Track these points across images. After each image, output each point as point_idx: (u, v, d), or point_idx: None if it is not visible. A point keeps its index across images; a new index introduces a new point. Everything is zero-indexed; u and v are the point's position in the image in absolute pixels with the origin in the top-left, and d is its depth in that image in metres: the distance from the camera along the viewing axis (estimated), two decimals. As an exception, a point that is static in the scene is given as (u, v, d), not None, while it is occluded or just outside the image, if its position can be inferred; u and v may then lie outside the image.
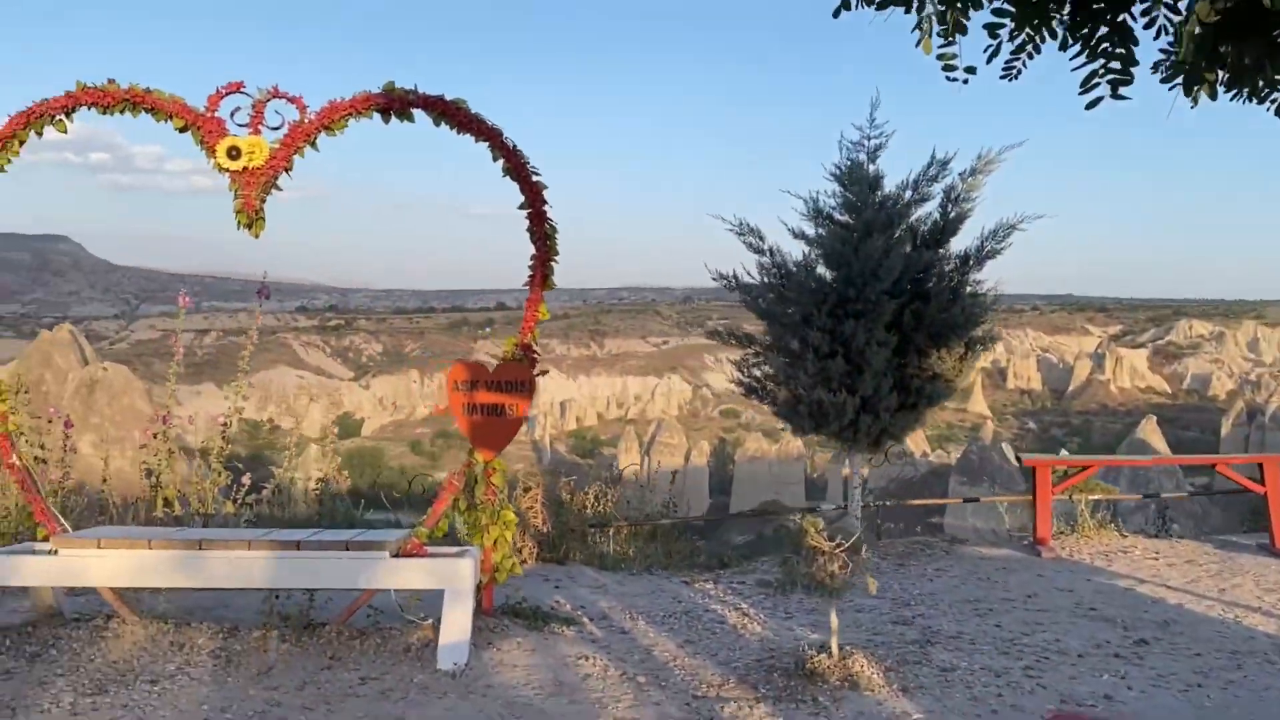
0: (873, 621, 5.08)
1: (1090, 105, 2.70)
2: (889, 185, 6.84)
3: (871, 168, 6.77)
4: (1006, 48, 2.71)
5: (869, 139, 6.79)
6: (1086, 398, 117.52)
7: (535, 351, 5.02)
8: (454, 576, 4.60)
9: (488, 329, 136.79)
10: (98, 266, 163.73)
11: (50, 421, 7.65)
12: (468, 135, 5.01)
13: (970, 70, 2.49)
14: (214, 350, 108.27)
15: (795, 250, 7.05)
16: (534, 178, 4.99)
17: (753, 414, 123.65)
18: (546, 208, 5.02)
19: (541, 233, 5.00)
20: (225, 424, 8.04)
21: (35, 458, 6.15)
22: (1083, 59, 2.67)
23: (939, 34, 2.42)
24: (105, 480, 7.82)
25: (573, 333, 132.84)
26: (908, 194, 6.74)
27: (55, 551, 4.58)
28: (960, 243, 6.87)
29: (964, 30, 2.34)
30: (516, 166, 4.98)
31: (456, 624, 4.50)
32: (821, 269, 6.72)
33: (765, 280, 6.98)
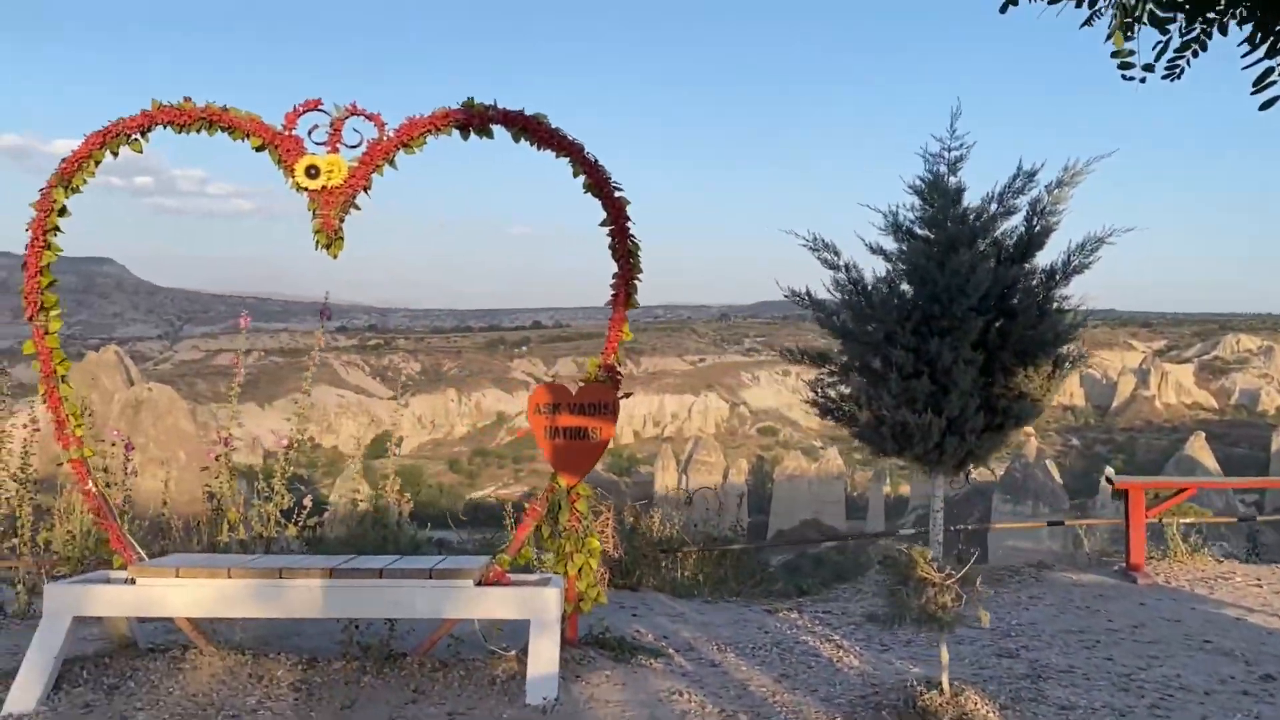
0: (975, 654, 4.83)
1: (1265, 105, 2.51)
2: (969, 198, 6.63)
3: (953, 180, 6.55)
4: (1173, 44, 2.53)
5: (949, 150, 6.59)
6: (1131, 414, 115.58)
7: (619, 373, 4.85)
8: (540, 606, 4.43)
9: (523, 348, 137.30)
10: (141, 288, 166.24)
11: (114, 444, 7.59)
12: (548, 151, 4.87)
13: (1148, 69, 2.30)
14: (255, 370, 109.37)
15: (871, 266, 6.84)
16: (616, 194, 4.84)
17: (790, 432, 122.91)
18: (629, 224, 4.86)
19: (624, 250, 4.84)
20: (290, 445, 7.95)
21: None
22: (1258, 54, 2.48)
23: (1113, 28, 2.23)
24: (165, 503, 7.73)
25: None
26: (993, 206, 6.51)
27: (133, 580, 4.46)
28: (1045, 257, 6.63)
29: (1157, 24, 2.15)
30: (599, 182, 4.83)
31: (545, 656, 4.32)
32: (904, 285, 6.50)
33: (843, 297, 6.77)
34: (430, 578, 4.47)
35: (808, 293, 7.03)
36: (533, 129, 4.81)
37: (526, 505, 4.91)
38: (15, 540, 6.95)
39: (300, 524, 7.74)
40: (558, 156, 4.87)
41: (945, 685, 4.09)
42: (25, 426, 7.51)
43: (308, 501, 8.13)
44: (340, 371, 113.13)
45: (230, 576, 4.43)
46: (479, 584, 4.51)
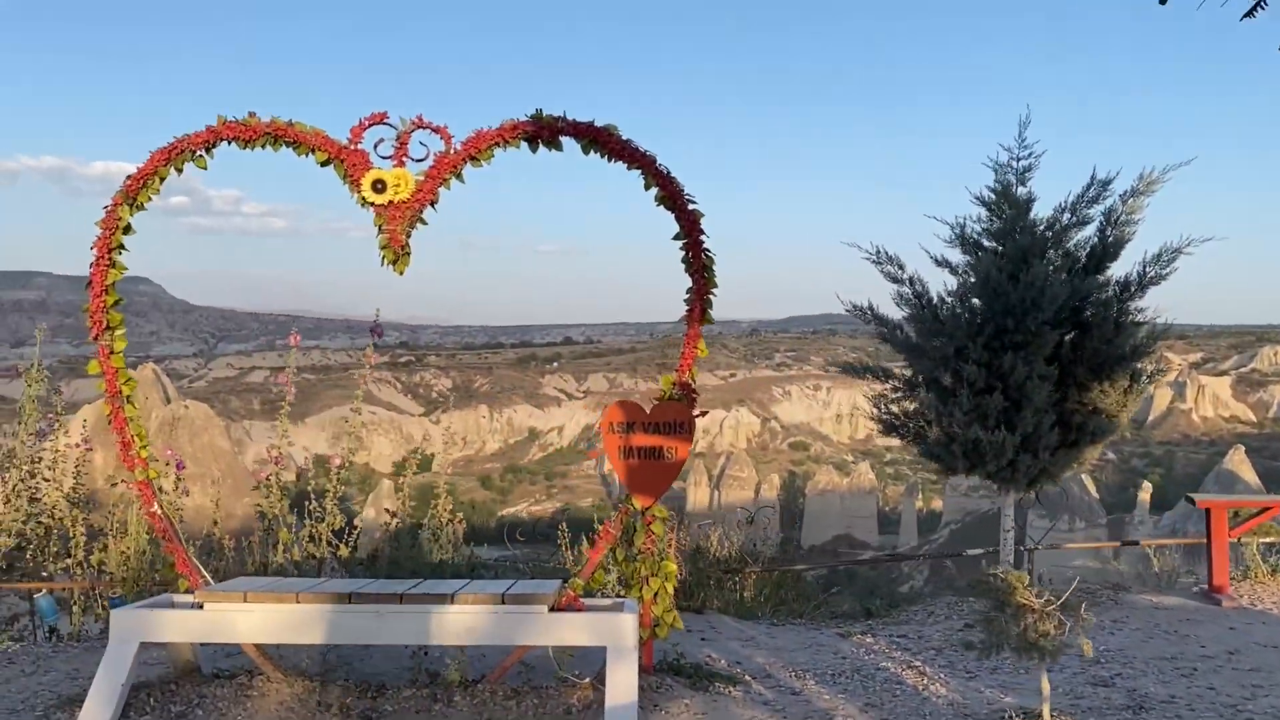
0: (1068, 683, 4.63)
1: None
2: (1038, 209, 6.44)
3: (1022, 190, 6.37)
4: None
5: (1018, 160, 6.41)
6: (1168, 427, 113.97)
7: (695, 391, 4.71)
8: (617, 633, 4.28)
9: (554, 364, 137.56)
10: (176, 306, 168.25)
11: (168, 464, 7.56)
12: (619, 163, 4.75)
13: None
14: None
15: (942, 280, 6.67)
16: (690, 206, 4.71)
17: (822, 446, 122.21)
18: (703, 238, 4.72)
19: (699, 264, 4.70)
20: (342, 464, 7.87)
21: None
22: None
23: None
24: (216, 523, 7.64)
25: (640, 366, 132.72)
26: (1065, 217, 6.32)
27: (200, 605, 4.36)
28: (1119, 268, 6.42)
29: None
30: (672, 194, 4.70)
31: (623, 685, 4.17)
32: (974, 299, 6.32)
33: (909, 311, 6.60)
34: (503, 603, 4.34)
35: (870, 307, 6.87)
36: (604, 140, 4.70)
37: (599, 527, 4.77)
38: (69, 560, 6.90)
39: (352, 544, 7.65)
40: (629, 168, 4.75)
41: (1046, 717, 3.90)
42: (77, 446, 7.48)
43: (358, 522, 8.04)
44: (372, 388, 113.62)
45: (299, 602, 4.32)
46: (553, 609, 4.37)
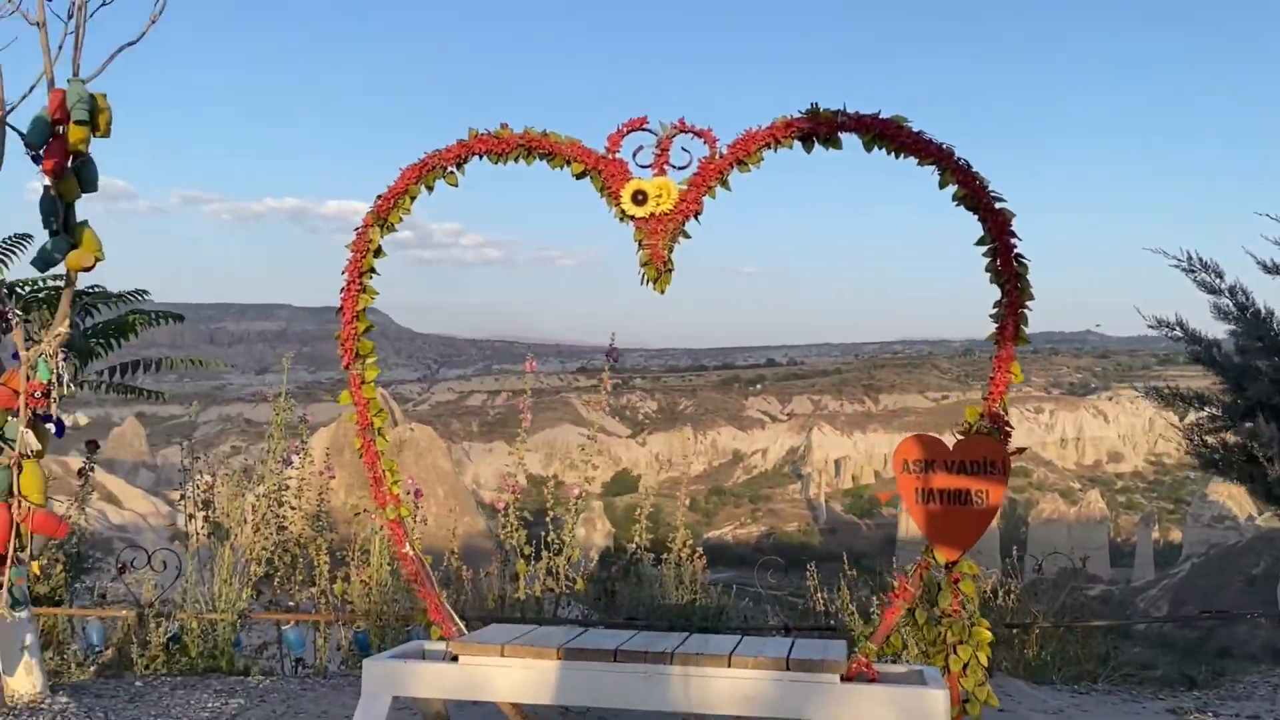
0: None
1: None
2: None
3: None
4: None
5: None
6: None
7: (1009, 424, 3.98)
8: (924, 710, 3.60)
9: (758, 386, 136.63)
10: (401, 334, 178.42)
11: (408, 493, 7.44)
12: (909, 159, 4.12)
13: None
14: (504, 410, 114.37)
15: (1266, 288, 5.64)
16: (997, 205, 4.01)
17: (1045, 473, 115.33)
18: (1014, 241, 4.01)
19: (1010, 273, 3.98)
20: (581, 495, 7.56)
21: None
22: None
23: None
24: (453, 552, 7.43)
25: (846, 388, 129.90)
26: None
27: (454, 658, 4.01)
28: None
29: None
30: (975, 192, 4.01)
31: (935, 775, 3.49)
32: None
33: (1232, 326, 5.60)
34: (788, 669, 3.75)
35: (1180, 322, 5.90)
36: (891, 134, 4.07)
37: (894, 583, 4.11)
38: (313, 589, 6.85)
39: (586, 577, 7.31)
40: (920, 164, 4.10)
41: None
42: (321, 473, 7.48)
43: (594, 553, 7.67)
44: (581, 410, 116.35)
45: (560, 658, 3.89)
46: (844, 679, 3.75)
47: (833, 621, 6.71)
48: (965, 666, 3.88)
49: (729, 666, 3.79)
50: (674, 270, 4.22)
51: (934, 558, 3.95)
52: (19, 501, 4.47)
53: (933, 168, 4.06)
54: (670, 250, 4.20)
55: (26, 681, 4.80)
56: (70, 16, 4.72)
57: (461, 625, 4.26)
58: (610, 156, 4.23)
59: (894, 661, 4.22)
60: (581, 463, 7.59)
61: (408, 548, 4.28)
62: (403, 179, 4.37)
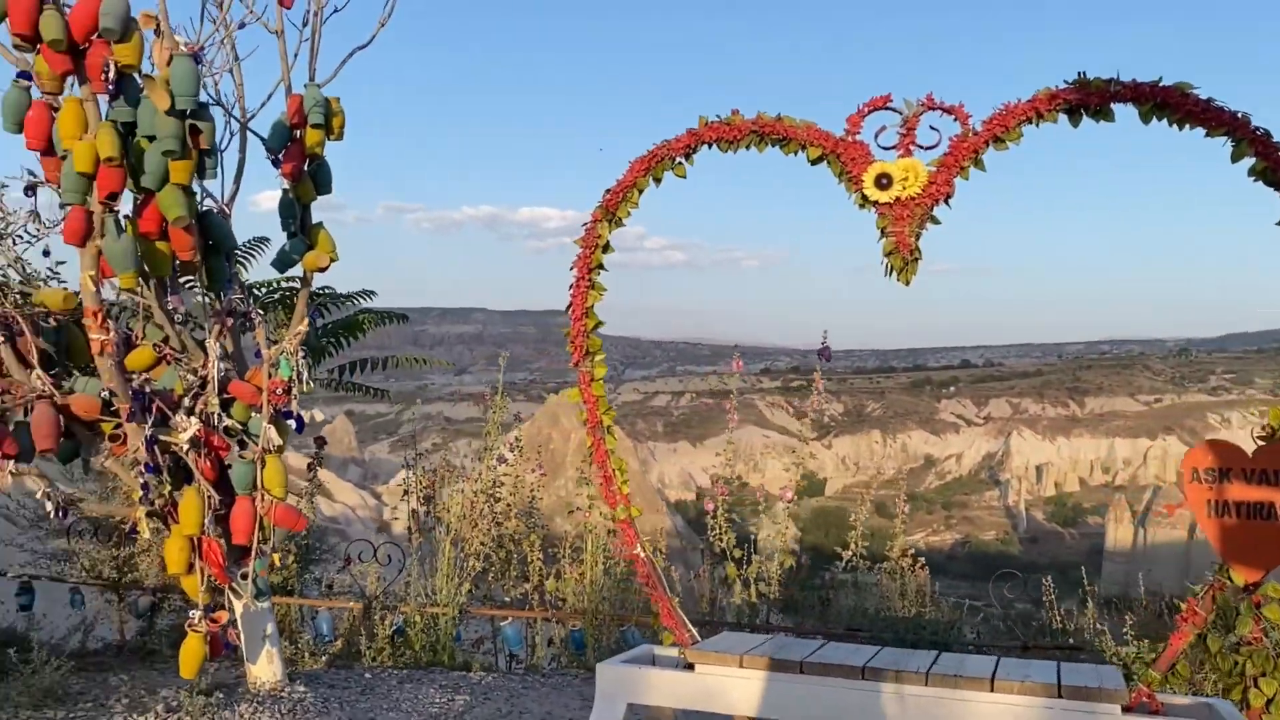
0: None
1: None
2: None
3: None
4: None
5: None
6: None
7: (1320, 428, 3.48)
8: (1226, 754, 3.18)
9: (951, 388, 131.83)
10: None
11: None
12: (1196, 129, 3.66)
13: None
14: (688, 411, 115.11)
15: None
16: (1305, 179, 3.51)
17: None
18: (1327, 222, 3.49)
19: (1322, 256, 3.48)
20: (793, 499, 7.32)
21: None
22: None
23: None
24: (660, 551, 7.30)
25: (1048, 390, 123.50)
26: None
27: (690, 666, 3.85)
28: None
29: None
30: (1276, 164, 3.52)
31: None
32: None
33: None
34: (1059, 696, 3.39)
35: None
36: (1175, 103, 3.63)
37: (1183, 606, 3.66)
38: (526, 586, 6.88)
39: (786, 583, 7.06)
40: (1209, 135, 3.65)
41: None
42: (533, 471, 7.53)
43: (805, 560, 7.48)
44: (765, 412, 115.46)
45: (802, 672, 3.66)
46: (1126, 710, 3.36)
47: (1071, 640, 6.20)
48: (1269, 703, 3.41)
49: (992, 690, 3.47)
50: (921, 259, 3.93)
51: (1229, 579, 3.48)
52: (262, 495, 4.61)
53: (1224, 139, 3.61)
54: (917, 238, 3.91)
55: (268, 670, 4.97)
56: (305, 24, 4.85)
57: (695, 632, 4.10)
58: (850, 139, 3.97)
59: (1176, 693, 3.77)
60: (790, 465, 7.40)
61: (639, 549, 4.16)
62: (631, 173, 4.25)
